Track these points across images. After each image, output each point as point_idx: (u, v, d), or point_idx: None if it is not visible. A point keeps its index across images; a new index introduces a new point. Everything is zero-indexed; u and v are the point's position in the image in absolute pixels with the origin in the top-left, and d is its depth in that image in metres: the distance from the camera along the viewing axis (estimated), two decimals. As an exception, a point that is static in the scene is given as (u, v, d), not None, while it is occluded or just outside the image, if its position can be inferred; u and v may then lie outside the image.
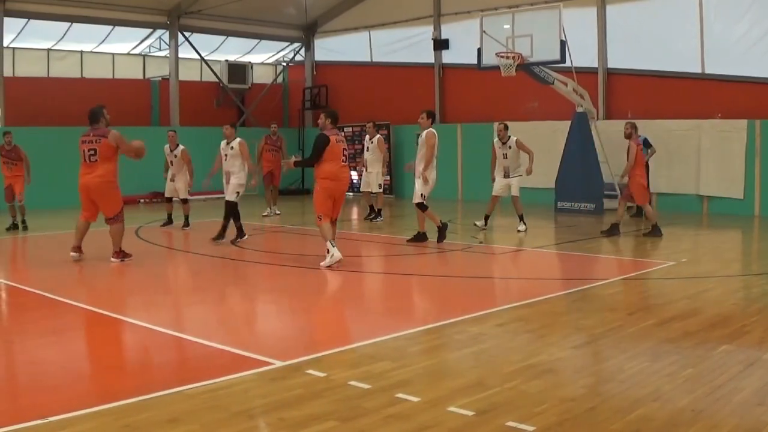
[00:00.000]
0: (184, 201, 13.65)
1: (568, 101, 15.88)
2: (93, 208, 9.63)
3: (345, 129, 22.07)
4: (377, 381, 4.67)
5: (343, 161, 9.31)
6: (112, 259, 9.63)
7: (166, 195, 13.90)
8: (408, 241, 11.29)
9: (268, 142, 16.00)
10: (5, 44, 18.45)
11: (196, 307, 7.31)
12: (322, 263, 9.01)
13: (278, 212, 15.94)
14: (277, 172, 15.81)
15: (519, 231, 12.67)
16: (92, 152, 9.37)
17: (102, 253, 10.87)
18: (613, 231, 11.92)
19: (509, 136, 12.88)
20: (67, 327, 6.38)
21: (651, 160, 15.57)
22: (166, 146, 13.73)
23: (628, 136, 12.06)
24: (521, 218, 12.83)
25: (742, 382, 4.60)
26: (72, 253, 9.63)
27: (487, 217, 13.17)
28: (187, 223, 13.45)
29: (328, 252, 9.00)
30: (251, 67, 23.83)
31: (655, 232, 11.77)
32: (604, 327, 6.07)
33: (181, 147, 13.58)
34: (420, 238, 11.20)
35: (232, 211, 11.25)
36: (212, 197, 20.26)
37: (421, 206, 11.17)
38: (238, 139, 11.59)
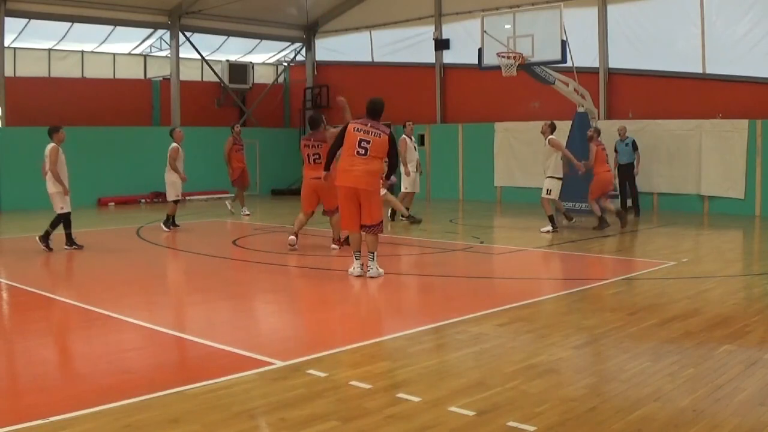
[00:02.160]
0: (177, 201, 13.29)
1: (569, 101, 15.87)
2: (315, 203, 10.54)
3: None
4: (378, 381, 4.67)
5: (358, 152, 8.17)
6: (333, 246, 10.41)
7: (178, 197, 13.24)
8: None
9: (237, 142, 15.45)
10: (6, 44, 18.44)
11: (197, 306, 7.31)
12: (349, 269, 8.49)
13: (234, 211, 15.73)
14: (246, 172, 15.72)
15: (540, 231, 12.56)
16: (316, 156, 10.17)
17: (101, 252, 10.87)
18: (602, 224, 12.64)
19: (549, 136, 12.63)
20: (67, 327, 6.37)
21: (651, 160, 15.63)
22: (175, 145, 13.07)
23: (589, 140, 12.89)
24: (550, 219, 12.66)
25: (744, 382, 4.60)
26: (291, 237, 10.48)
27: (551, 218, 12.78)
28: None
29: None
30: (252, 67, 23.85)
31: (601, 224, 12.66)
32: (605, 327, 6.07)
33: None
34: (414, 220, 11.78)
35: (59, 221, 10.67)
36: (213, 197, 20.29)
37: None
38: (50, 145, 10.58)
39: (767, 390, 4.48)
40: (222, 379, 4.68)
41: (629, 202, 15.34)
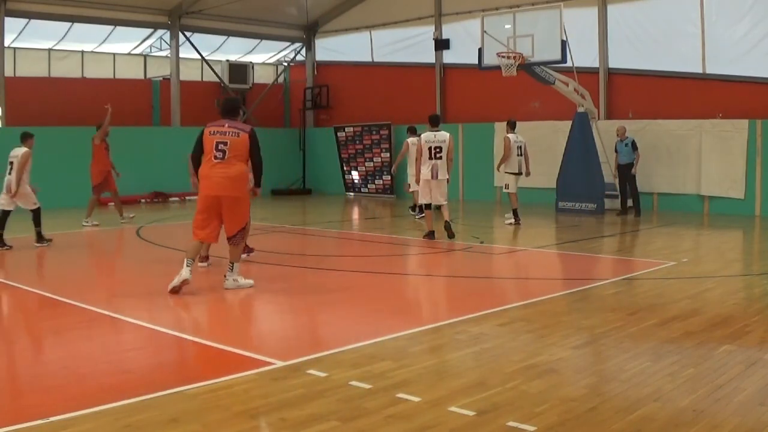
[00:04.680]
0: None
1: (569, 101, 15.88)
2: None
3: (346, 129, 22.10)
4: (378, 381, 4.67)
5: (216, 157, 7.50)
6: (202, 264, 9.11)
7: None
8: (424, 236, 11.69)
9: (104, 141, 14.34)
10: (6, 44, 18.45)
11: (197, 307, 7.30)
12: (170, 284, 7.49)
13: (132, 215, 14.97)
14: (111, 177, 14.43)
15: (505, 222, 13.72)
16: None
17: (101, 252, 10.87)
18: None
19: (506, 134, 13.90)
20: (67, 327, 6.37)
21: (651, 160, 15.63)
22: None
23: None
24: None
25: (744, 382, 4.60)
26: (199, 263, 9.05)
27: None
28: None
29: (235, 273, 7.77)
30: (252, 67, 23.84)
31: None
32: (605, 327, 6.07)
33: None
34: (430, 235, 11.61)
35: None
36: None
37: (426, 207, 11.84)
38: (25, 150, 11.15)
39: (767, 390, 4.48)
40: (222, 379, 4.68)
41: (629, 202, 15.34)
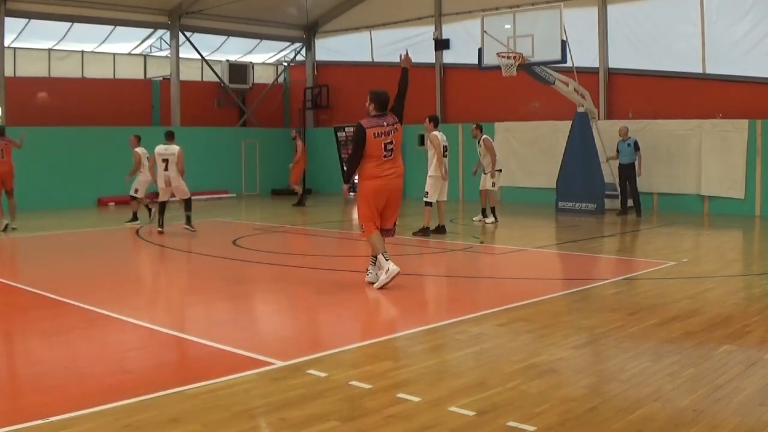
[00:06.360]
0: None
1: (569, 101, 15.87)
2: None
3: (346, 129, 22.09)
4: (378, 381, 4.67)
5: (385, 156, 7.76)
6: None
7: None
8: (413, 233, 12.00)
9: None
10: (6, 44, 18.45)
11: (197, 307, 7.31)
12: (375, 284, 7.73)
13: (15, 227, 13.24)
14: (9, 178, 13.42)
15: (486, 223, 13.94)
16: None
17: (102, 252, 10.87)
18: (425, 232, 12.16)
19: (481, 136, 14.01)
20: (67, 327, 6.37)
21: (651, 160, 15.62)
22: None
23: (294, 138, 15.43)
24: (483, 211, 14.15)
25: (744, 382, 4.60)
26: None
27: (486, 210, 14.14)
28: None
29: (378, 267, 7.76)
30: (252, 67, 23.84)
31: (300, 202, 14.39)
32: (605, 327, 6.07)
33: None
34: (425, 232, 12.00)
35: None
36: (213, 197, 20.27)
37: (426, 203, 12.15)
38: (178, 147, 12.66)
39: (767, 390, 4.48)
40: (222, 379, 4.68)
41: (630, 202, 15.34)
